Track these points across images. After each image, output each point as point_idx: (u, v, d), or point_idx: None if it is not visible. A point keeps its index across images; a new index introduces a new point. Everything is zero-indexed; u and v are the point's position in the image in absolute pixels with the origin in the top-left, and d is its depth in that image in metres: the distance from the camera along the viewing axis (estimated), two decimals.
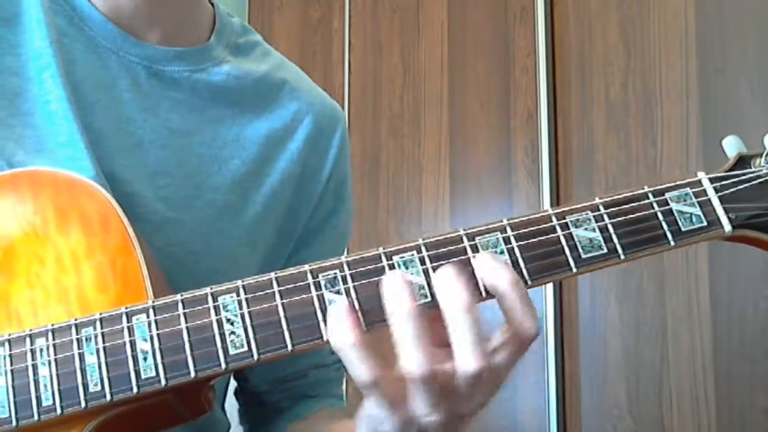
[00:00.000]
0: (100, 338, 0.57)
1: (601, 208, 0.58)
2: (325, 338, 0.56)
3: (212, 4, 0.86)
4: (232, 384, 0.89)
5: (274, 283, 0.58)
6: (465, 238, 0.58)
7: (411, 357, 0.52)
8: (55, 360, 0.57)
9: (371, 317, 0.56)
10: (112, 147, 0.73)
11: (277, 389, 0.86)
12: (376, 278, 0.57)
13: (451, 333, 0.53)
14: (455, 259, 0.57)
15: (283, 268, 0.59)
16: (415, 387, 0.53)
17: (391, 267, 0.57)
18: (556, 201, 1.98)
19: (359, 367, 0.53)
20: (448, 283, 0.54)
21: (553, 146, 1.99)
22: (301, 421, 0.84)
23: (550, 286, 1.91)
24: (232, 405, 0.89)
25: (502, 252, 0.57)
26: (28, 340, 0.58)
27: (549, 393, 1.88)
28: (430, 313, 0.55)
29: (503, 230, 0.58)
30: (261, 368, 0.84)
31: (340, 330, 0.53)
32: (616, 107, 1.91)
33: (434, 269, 0.57)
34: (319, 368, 0.86)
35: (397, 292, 0.54)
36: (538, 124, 2.00)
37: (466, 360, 0.53)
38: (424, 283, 0.57)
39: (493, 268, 0.55)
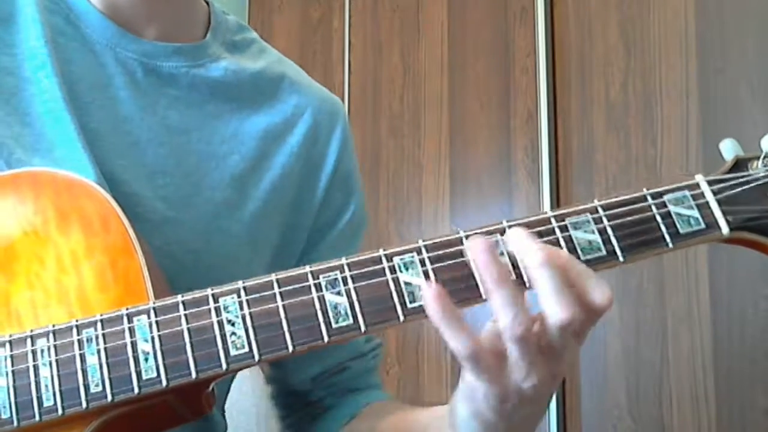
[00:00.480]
0: (101, 339, 0.58)
1: (600, 210, 0.59)
2: (325, 340, 0.56)
3: (207, 3, 0.86)
4: (242, 389, 0.88)
5: (275, 285, 0.58)
6: (465, 240, 0.58)
7: (508, 317, 0.53)
8: (56, 361, 0.57)
9: (371, 318, 0.57)
10: (110, 147, 0.73)
11: (320, 386, 0.85)
12: (376, 279, 0.57)
13: (536, 288, 0.54)
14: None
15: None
16: (513, 349, 0.54)
17: (392, 268, 0.57)
18: (556, 201, 1.98)
19: (458, 339, 0.53)
20: (522, 240, 0.56)
21: (553, 146, 1.99)
22: (354, 420, 0.83)
23: None
24: (231, 406, 0.88)
25: (501, 254, 0.57)
26: (29, 340, 0.58)
27: None
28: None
29: (502, 232, 0.58)
30: (299, 366, 0.84)
31: (435, 305, 0.54)
32: (616, 107, 1.91)
33: (434, 271, 0.57)
34: (357, 359, 0.86)
35: (485, 259, 0.55)
36: (538, 124, 2.00)
37: (554, 312, 0.53)
38: (424, 284, 0.57)
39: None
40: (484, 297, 0.56)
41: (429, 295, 0.55)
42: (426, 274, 0.57)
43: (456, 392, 0.60)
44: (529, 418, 0.59)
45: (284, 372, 0.86)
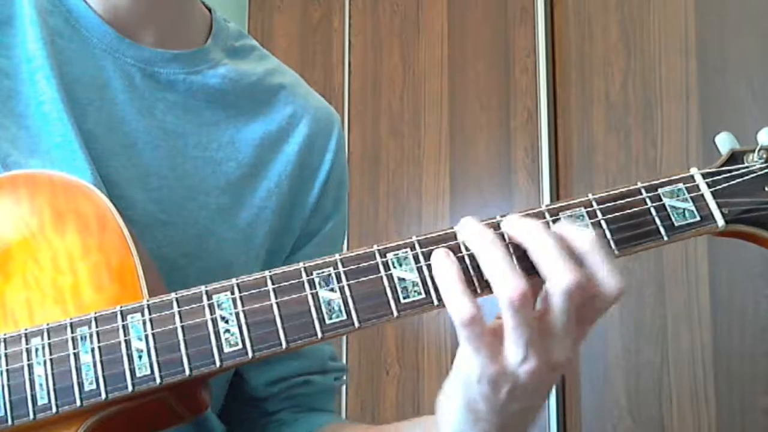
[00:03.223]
0: (95, 337, 0.58)
1: (594, 204, 0.59)
2: (319, 336, 0.56)
3: (209, 9, 0.86)
4: None
5: (269, 282, 0.58)
6: (459, 235, 0.58)
7: (506, 280, 0.53)
8: (51, 359, 0.58)
9: (365, 314, 0.57)
10: (105, 148, 0.73)
11: (279, 396, 0.83)
12: (370, 276, 0.57)
13: (538, 258, 0.54)
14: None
15: None
16: (509, 318, 0.53)
17: (385, 264, 0.57)
18: (556, 201, 1.97)
19: (461, 302, 0.53)
20: (516, 220, 0.57)
21: (553, 146, 1.99)
22: None
23: None
24: None
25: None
26: (23, 339, 0.58)
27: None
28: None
29: (497, 227, 0.58)
30: (259, 369, 0.83)
31: (441, 268, 0.55)
32: (616, 107, 1.91)
33: (428, 267, 0.57)
34: (320, 374, 0.85)
35: (474, 229, 0.56)
36: (538, 124, 2.00)
37: (558, 274, 0.53)
38: (418, 280, 0.57)
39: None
40: (479, 291, 0.56)
41: (440, 252, 0.56)
42: (420, 270, 0.57)
43: (445, 385, 0.60)
44: (521, 416, 0.58)
45: (242, 377, 0.83)
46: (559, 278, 0.53)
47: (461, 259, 0.57)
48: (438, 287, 0.56)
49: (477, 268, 0.56)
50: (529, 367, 0.54)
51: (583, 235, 0.55)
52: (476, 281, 0.56)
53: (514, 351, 0.54)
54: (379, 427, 0.76)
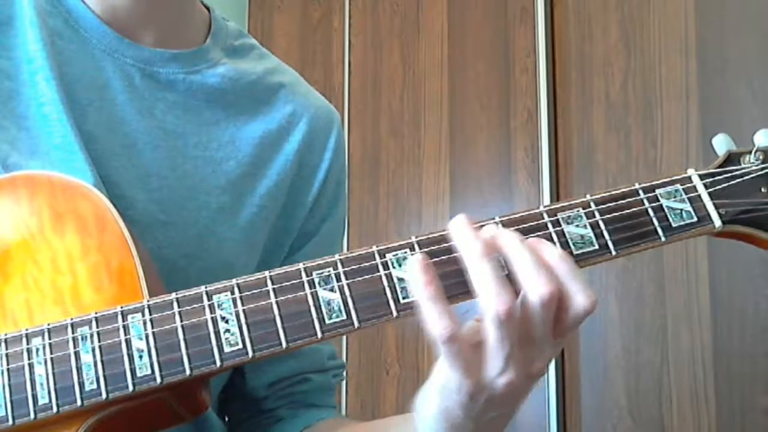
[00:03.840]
0: (95, 337, 0.58)
1: (592, 204, 0.59)
2: (319, 336, 0.56)
3: (208, 9, 0.86)
4: None
5: (269, 282, 0.58)
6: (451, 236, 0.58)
7: (495, 295, 0.53)
8: (51, 359, 0.58)
9: (365, 314, 0.57)
10: (105, 149, 0.73)
11: (276, 395, 0.84)
12: (369, 276, 0.57)
13: (518, 269, 0.54)
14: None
15: None
16: (492, 333, 0.53)
17: (384, 264, 0.57)
18: (556, 201, 1.97)
19: (439, 321, 0.53)
20: (496, 231, 0.56)
21: (553, 146, 1.99)
22: (307, 430, 0.82)
23: None
24: None
25: None
26: (24, 339, 0.59)
27: (549, 393, 1.88)
28: None
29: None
30: (257, 370, 0.83)
31: (419, 283, 0.54)
32: (616, 107, 1.91)
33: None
34: (318, 373, 0.85)
35: (467, 236, 0.55)
36: (538, 124, 2.00)
37: (537, 285, 0.53)
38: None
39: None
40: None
41: (416, 265, 0.54)
42: None
43: (423, 389, 0.59)
44: (496, 422, 0.58)
45: (241, 376, 0.84)
46: (537, 289, 0.53)
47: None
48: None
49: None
50: (507, 379, 0.54)
51: (551, 249, 0.55)
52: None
53: (493, 363, 0.54)
54: (368, 424, 0.77)
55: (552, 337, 0.55)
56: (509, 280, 0.54)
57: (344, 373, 0.90)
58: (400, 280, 0.57)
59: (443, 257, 0.57)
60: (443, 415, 0.58)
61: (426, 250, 0.58)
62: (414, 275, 0.55)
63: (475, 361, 0.54)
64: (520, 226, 0.58)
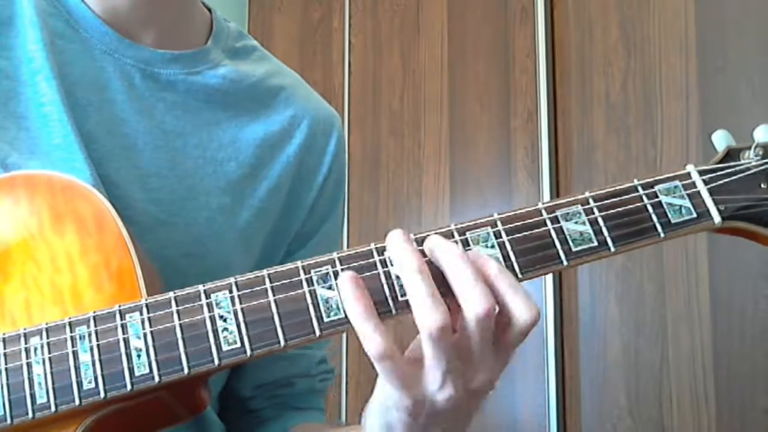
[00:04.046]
0: (93, 336, 0.58)
1: (591, 201, 0.59)
2: (317, 333, 0.56)
3: (209, 10, 0.86)
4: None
5: (267, 280, 0.58)
6: (456, 233, 0.58)
7: (428, 311, 0.52)
8: (50, 358, 0.58)
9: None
10: (105, 149, 0.73)
11: (262, 396, 0.85)
12: (367, 274, 0.57)
13: (455, 283, 0.54)
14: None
15: None
16: (428, 349, 0.53)
17: (383, 263, 0.57)
18: (554, 199, 1.97)
19: (371, 337, 0.53)
20: (438, 242, 0.56)
21: (553, 146, 1.99)
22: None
23: (550, 286, 1.91)
24: None
25: (492, 246, 0.57)
26: (22, 338, 0.58)
27: (549, 393, 1.88)
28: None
29: (494, 225, 0.58)
30: (246, 372, 0.84)
31: (351, 301, 0.54)
32: (616, 107, 1.91)
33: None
34: (304, 378, 0.86)
35: (403, 250, 0.55)
36: (538, 124, 2.00)
37: (473, 302, 0.52)
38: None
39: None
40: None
41: (347, 282, 0.54)
42: None
43: (368, 405, 0.59)
44: None
45: (231, 375, 0.85)
46: (473, 305, 0.53)
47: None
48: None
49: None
50: (447, 395, 0.54)
51: (490, 262, 0.55)
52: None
53: (431, 379, 0.54)
54: (345, 428, 0.77)
55: (494, 353, 0.55)
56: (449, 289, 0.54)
57: (333, 377, 0.90)
58: (398, 278, 0.57)
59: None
60: (386, 430, 0.57)
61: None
62: (344, 290, 0.54)
63: (414, 376, 0.54)
64: (519, 224, 0.58)
